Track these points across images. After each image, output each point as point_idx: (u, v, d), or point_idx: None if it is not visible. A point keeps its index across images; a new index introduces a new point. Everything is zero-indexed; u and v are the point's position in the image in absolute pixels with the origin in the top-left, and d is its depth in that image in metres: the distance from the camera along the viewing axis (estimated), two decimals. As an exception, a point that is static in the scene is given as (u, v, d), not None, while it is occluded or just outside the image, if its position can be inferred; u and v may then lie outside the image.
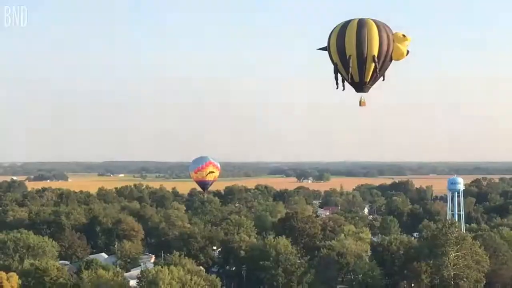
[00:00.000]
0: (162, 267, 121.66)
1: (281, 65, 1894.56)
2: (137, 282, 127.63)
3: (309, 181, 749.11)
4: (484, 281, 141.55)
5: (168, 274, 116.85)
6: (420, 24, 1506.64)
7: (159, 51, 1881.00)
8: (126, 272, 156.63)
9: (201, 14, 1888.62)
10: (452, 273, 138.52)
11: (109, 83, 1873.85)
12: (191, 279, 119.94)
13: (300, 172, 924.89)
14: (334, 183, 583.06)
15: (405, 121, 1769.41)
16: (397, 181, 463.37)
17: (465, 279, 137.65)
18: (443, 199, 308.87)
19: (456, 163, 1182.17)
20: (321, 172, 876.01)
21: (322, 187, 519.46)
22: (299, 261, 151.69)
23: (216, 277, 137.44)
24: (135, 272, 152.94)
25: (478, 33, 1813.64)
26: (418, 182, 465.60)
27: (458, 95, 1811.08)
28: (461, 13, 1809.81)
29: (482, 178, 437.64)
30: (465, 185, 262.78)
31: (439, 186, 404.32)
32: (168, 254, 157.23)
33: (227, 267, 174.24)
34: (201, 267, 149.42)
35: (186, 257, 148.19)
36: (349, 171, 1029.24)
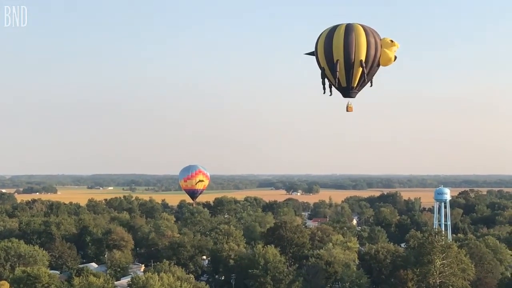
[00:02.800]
0: (152, 274, 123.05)
1: (269, 79, 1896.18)
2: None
3: (298, 194, 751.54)
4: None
5: (158, 280, 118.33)
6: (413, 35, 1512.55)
7: (158, 59, 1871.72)
8: (116, 281, 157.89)
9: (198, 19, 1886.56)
10: (438, 281, 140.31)
11: (105, 90, 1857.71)
12: (180, 286, 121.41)
13: (289, 184, 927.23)
14: (323, 195, 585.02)
15: (395, 134, 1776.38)
16: (385, 193, 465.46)
17: (451, 287, 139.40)
18: (431, 211, 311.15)
19: (445, 176, 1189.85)
20: (310, 185, 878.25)
21: (311, 199, 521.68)
22: (287, 269, 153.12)
23: (206, 285, 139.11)
24: (125, 280, 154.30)
25: (469, 51, 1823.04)
26: (406, 195, 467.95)
27: (448, 109, 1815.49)
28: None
29: (470, 190, 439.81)
30: (452, 197, 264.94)
31: (427, 198, 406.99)
32: (158, 263, 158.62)
33: (216, 276, 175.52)
34: (191, 275, 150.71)
35: (176, 266, 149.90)
36: (338, 184, 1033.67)
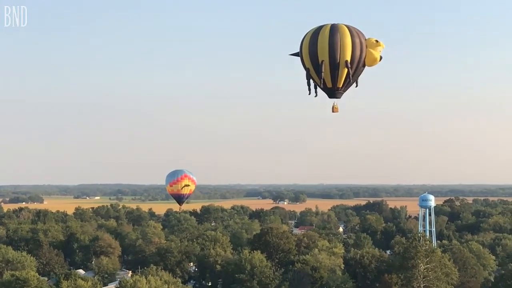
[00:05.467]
0: (140, 277, 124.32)
1: (256, 85, 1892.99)
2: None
3: (285, 203, 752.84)
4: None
5: (146, 283, 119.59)
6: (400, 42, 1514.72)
7: (152, 65, 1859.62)
8: (103, 286, 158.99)
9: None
10: (422, 285, 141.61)
11: (101, 95, 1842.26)
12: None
13: (276, 194, 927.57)
14: (310, 204, 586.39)
15: (381, 144, 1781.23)
16: (371, 202, 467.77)
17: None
18: (417, 218, 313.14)
19: (432, 186, 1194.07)
20: (297, 194, 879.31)
21: (298, 208, 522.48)
22: (273, 274, 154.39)
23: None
24: (112, 286, 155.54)
25: (457, 55, 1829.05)
26: (392, 203, 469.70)
27: (437, 118, 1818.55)
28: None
29: (455, 198, 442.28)
30: (438, 204, 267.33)
31: (413, 207, 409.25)
32: (145, 268, 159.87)
33: (203, 281, 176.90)
34: (178, 279, 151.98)
35: (163, 271, 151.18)
36: (325, 193, 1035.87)
